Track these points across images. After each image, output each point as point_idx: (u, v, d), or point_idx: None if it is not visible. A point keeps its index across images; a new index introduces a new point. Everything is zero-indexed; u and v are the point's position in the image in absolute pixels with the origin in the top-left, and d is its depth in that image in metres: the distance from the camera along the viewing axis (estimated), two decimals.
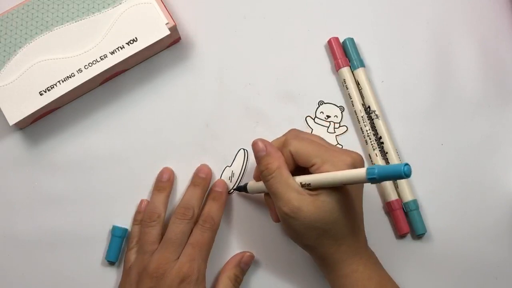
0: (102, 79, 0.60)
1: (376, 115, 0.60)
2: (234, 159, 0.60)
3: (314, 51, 0.63)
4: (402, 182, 0.59)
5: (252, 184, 0.57)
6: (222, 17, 0.63)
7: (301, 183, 0.50)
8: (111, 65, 0.57)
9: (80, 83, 0.57)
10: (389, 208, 0.59)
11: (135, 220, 0.59)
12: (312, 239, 0.50)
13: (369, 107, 0.60)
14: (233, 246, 0.59)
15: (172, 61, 0.62)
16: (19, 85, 0.57)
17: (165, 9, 0.58)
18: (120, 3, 0.58)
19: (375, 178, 0.43)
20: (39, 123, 0.61)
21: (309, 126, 0.61)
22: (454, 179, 0.60)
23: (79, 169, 0.60)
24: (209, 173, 0.59)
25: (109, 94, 0.61)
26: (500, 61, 0.63)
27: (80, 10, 0.58)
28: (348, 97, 0.61)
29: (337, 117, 0.62)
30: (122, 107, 0.61)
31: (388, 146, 0.60)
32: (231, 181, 0.60)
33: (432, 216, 0.60)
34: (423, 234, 0.59)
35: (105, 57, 0.57)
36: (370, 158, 0.60)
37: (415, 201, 0.59)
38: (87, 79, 0.57)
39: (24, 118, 0.57)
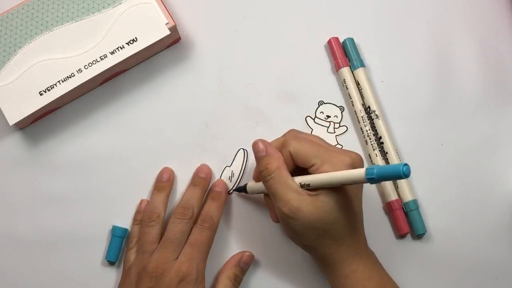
0: (102, 79, 0.60)
1: (376, 115, 0.60)
2: (233, 159, 0.60)
3: (314, 51, 0.63)
4: (402, 182, 0.59)
5: (251, 184, 0.57)
6: (222, 17, 0.63)
7: (300, 183, 0.50)
8: (111, 65, 0.57)
9: (80, 83, 0.57)
10: (389, 208, 0.59)
11: (135, 220, 0.59)
12: (312, 239, 0.50)
13: (369, 107, 0.60)
14: (233, 246, 0.59)
15: (172, 61, 0.62)
16: (19, 85, 0.57)
17: (165, 9, 0.58)
18: (120, 3, 0.58)
19: (374, 178, 0.43)
20: (39, 123, 0.61)
21: (309, 126, 0.61)
22: (454, 179, 0.60)
23: (79, 169, 0.60)
24: (209, 173, 0.59)
25: (109, 94, 0.61)
26: (500, 61, 0.63)
27: (80, 10, 0.58)
28: (348, 97, 0.61)
29: (337, 117, 0.62)
30: (122, 107, 0.61)
31: (388, 146, 0.60)
32: (230, 181, 0.60)
33: (432, 216, 0.60)
34: (423, 234, 0.59)
35: (105, 57, 0.57)
36: (370, 158, 0.60)
37: (415, 201, 0.59)
38: (87, 79, 0.57)
39: (24, 118, 0.57)
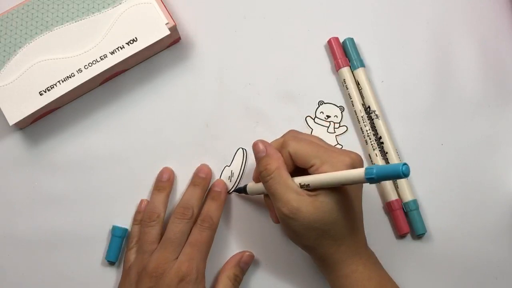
0: (102, 79, 0.60)
1: (376, 115, 0.60)
2: (233, 159, 0.60)
3: (314, 51, 0.63)
4: (402, 182, 0.59)
5: (251, 185, 0.57)
6: (222, 17, 0.63)
7: (300, 184, 0.50)
8: (111, 65, 0.57)
9: (80, 83, 0.57)
10: (389, 208, 0.59)
11: (135, 220, 0.59)
12: (312, 239, 0.50)
13: (369, 107, 0.60)
14: (233, 246, 0.59)
15: (172, 61, 0.62)
16: (19, 85, 0.57)
17: (165, 9, 0.58)
18: (120, 3, 0.58)
19: (374, 178, 0.43)
20: (39, 123, 0.61)
21: (309, 126, 0.61)
22: (454, 179, 0.60)
23: (79, 169, 0.60)
24: (209, 173, 0.59)
25: (109, 94, 0.61)
26: (500, 61, 0.63)
27: (80, 10, 0.58)
28: (348, 97, 0.61)
29: (337, 117, 0.62)
30: (122, 107, 0.61)
31: (388, 146, 0.60)
32: (230, 181, 0.60)
33: (432, 216, 0.60)
34: (423, 234, 0.59)
35: (105, 57, 0.57)
36: (370, 158, 0.60)
37: (415, 201, 0.59)
38: (87, 79, 0.57)
39: (24, 118, 0.57)
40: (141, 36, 0.58)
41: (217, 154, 0.60)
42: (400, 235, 0.59)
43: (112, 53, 0.57)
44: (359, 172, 0.45)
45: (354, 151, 0.52)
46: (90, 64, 0.57)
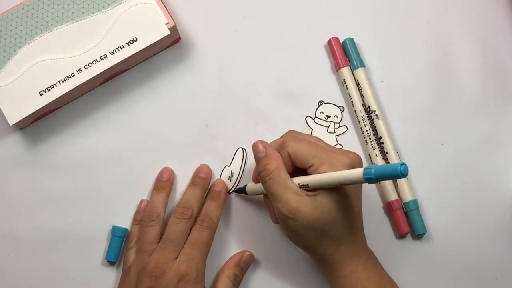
0: (102, 79, 0.60)
1: (376, 115, 0.60)
2: (232, 159, 0.60)
3: (314, 51, 0.63)
4: (402, 182, 0.59)
5: (251, 186, 0.57)
6: (222, 17, 0.63)
7: (299, 184, 0.50)
8: (111, 65, 0.57)
9: (80, 83, 0.57)
10: (389, 208, 0.59)
11: (135, 220, 0.59)
12: (311, 240, 0.50)
13: (369, 107, 0.60)
14: (233, 246, 0.59)
15: (172, 61, 0.62)
16: (19, 85, 0.57)
17: (165, 9, 0.58)
18: (120, 3, 0.58)
19: (372, 178, 0.43)
20: (39, 123, 0.61)
21: (309, 126, 0.61)
22: (454, 179, 0.60)
23: (79, 169, 0.60)
24: (209, 173, 0.59)
25: (109, 94, 0.61)
26: (500, 61, 0.63)
27: (80, 10, 0.58)
28: (348, 97, 0.61)
29: (337, 117, 0.62)
30: (122, 107, 0.61)
31: (388, 146, 0.60)
32: (230, 181, 0.60)
33: (432, 216, 0.60)
34: (423, 234, 0.59)
35: (105, 57, 0.57)
36: (370, 158, 0.60)
37: (415, 201, 0.59)
38: (87, 79, 0.57)
39: (24, 118, 0.57)
40: (141, 36, 0.58)
41: (217, 154, 0.60)
42: (400, 235, 0.59)
43: (112, 53, 0.57)
44: (357, 172, 0.45)
45: (354, 151, 0.52)
46: (90, 64, 0.57)
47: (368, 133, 0.60)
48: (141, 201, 0.59)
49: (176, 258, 0.54)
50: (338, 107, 0.62)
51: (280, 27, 0.63)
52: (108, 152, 0.60)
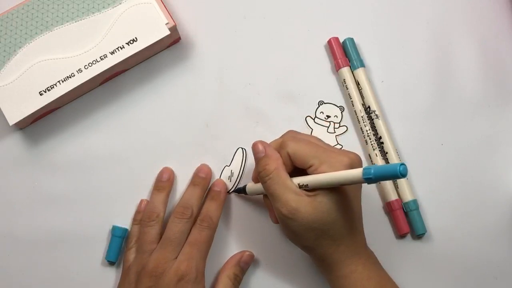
0: (102, 79, 0.60)
1: (376, 115, 0.60)
2: (232, 159, 0.60)
3: (314, 51, 0.63)
4: (402, 182, 0.59)
5: (251, 186, 0.57)
6: (222, 17, 0.63)
7: (298, 184, 0.50)
8: (111, 65, 0.57)
9: (80, 83, 0.57)
10: (389, 208, 0.59)
11: (135, 220, 0.59)
12: (311, 240, 0.50)
13: (369, 107, 0.60)
14: (233, 246, 0.59)
15: (172, 61, 0.62)
16: (19, 85, 0.57)
17: (165, 9, 0.58)
18: (120, 3, 0.58)
19: (371, 178, 0.43)
20: (39, 123, 0.61)
21: (309, 126, 0.61)
22: (454, 179, 0.60)
23: (79, 169, 0.60)
24: (209, 173, 0.59)
25: (109, 94, 0.61)
26: (500, 61, 0.63)
27: (80, 10, 0.58)
28: (348, 97, 0.61)
29: (337, 117, 0.62)
30: (122, 107, 0.61)
31: (388, 146, 0.60)
32: (230, 181, 0.60)
33: (432, 216, 0.60)
34: (423, 234, 0.59)
35: (105, 57, 0.57)
36: (370, 158, 0.60)
37: (415, 201, 0.59)
38: (87, 79, 0.57)
39: (24, 118, 0.57)
40: (141, 36, 0.58)
41: (217, 154, 0.60)
42: (400, 235, 0.59)
43: (112, 53, 0.57)
44: (357, 172, 0.45)
45: (353, 151, 0.52)
46: (90, 64, 0.57)
47: (368, 133, 0.60)
48: (141, 201, 0.59)
49: (176, 258, 0.54)
50: (338, 107, 0.62)
51: (280, 27, 0.63)
52: (108, 152, 0.60)
